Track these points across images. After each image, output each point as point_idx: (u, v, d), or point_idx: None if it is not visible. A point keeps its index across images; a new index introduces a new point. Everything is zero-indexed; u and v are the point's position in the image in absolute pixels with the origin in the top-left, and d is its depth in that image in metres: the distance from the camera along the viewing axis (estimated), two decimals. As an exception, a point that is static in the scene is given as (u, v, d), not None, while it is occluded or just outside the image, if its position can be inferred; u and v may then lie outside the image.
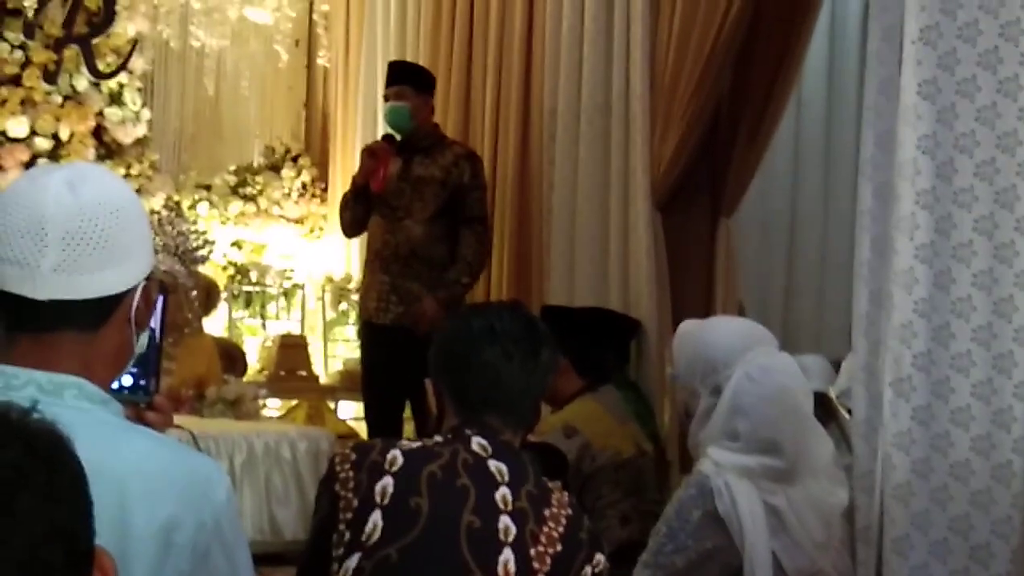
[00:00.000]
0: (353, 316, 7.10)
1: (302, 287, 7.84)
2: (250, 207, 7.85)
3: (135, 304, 1.66)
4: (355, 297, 6.78)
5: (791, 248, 7.15)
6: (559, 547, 2.25)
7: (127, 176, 7.32)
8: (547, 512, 2.27)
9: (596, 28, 5.44)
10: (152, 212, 6.22)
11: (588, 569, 2.27)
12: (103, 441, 1.54)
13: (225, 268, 7.63)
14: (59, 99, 7.16)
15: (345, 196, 5.85)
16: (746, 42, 5.04)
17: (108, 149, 7.36)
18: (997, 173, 2.94)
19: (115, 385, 1.72)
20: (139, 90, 7.50)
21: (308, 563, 2.36)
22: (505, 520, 2.23)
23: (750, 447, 2.87)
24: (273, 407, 6.96)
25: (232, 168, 7.95)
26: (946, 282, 2.98)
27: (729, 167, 5.30)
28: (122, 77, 7.35)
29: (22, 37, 7.07)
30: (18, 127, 7.02)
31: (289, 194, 7.92)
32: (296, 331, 7.61)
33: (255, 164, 8.07)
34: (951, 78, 2.96)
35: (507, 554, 2.21)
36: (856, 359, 3.22)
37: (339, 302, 7.63)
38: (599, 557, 2.29)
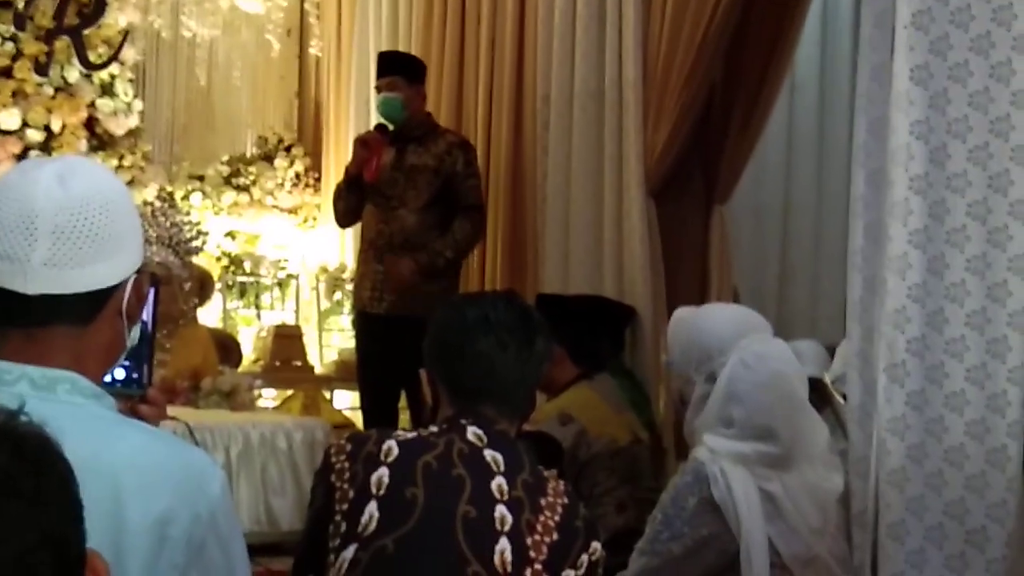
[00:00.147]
0: (348, 306, 7.09)
1: (296, 277, 7.83)
2: (243, 197, 7.84)
3: (126, 297, 1.65)
4: (350, 287, 6.77)
5: (785, 234, 7.16)
6: (555, 536, 2.25)
7: (120, 167, 7.31)
8: (543, 501, 2.27)
9: (588, 15, 5.43)
10: (145, 203, 6.19)
11: (585, 557, 2.27)
12: (96, 436, 1.54)
13: (219, 259, 7.61)
14: (50, 91, 7.14)
15: (338, 186, 5.85)
16: (739, 28, 5.03)
17: (100, 140, 7.34)
18: (990, 158, 2.94)
19: (108, 379, 1.72)
20: (131, 81, 7.48)
21: (304, 554, 2.36)
22: (501, 509, 2.24)
23: (745, 434, 2.87)
24: (268, 397, 6.96)
25: (225, 158, 7.93)
26: (940, 267, 2.98)
27: (722, 154, 5.30)
28: (113, 68, 7.32)
29: (13, 29, 7.04)
30: (10, 119, 7.00)
31: (282, 184, 7.91)
32: (291, 321, 7.60)
33: (248, 154, 8.05)
34: (943, 63, 2.96)
35: (503, 543, 2.21)
36: (850, 345, 3.22)
37: (334, 292, 7.62)
38: (595, 545, 2.29)
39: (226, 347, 6.41)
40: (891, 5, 3.02)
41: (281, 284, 7.77)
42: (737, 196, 5.55)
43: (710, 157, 5.33)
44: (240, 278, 7.67)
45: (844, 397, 3.65)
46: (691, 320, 3.10)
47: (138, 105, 7.50)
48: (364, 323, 5.75)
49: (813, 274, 7.13)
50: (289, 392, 6.94)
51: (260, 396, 6.53)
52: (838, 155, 6.82)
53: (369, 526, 2.21)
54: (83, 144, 7.20)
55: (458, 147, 5.65)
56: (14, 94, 7.04)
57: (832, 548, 2.98)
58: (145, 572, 1.52)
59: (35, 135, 7.06)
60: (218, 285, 7.23)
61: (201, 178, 7.83)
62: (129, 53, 7.42)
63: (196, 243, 5.87)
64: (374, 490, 2.23)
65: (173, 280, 5.63)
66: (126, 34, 7.34)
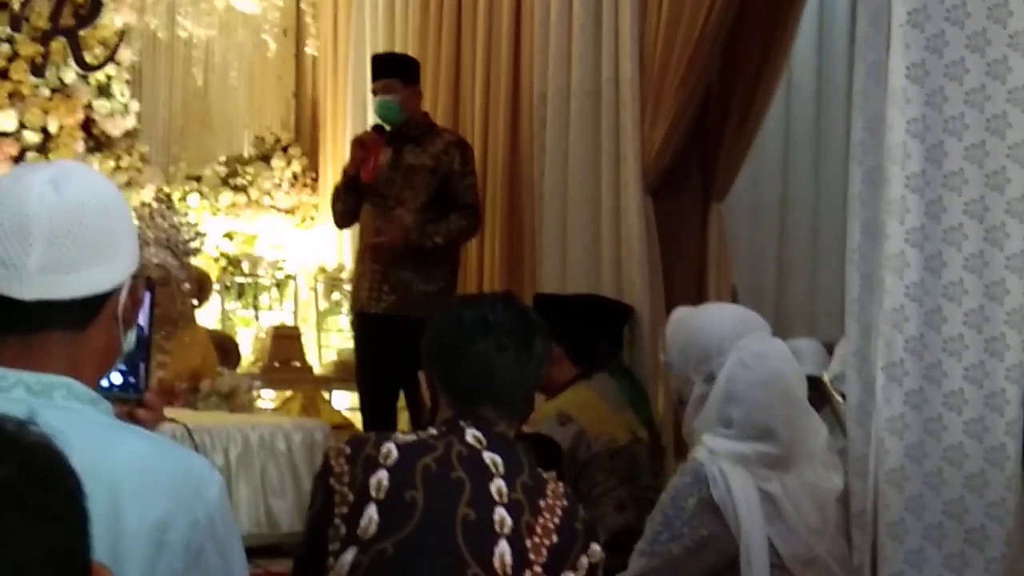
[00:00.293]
0: (346, 306, 7.09)
1: (294, 277, 7.83)
2: (241, 198, 7.83)
3: (122, 302, 1.65)
4: (348, 287, 6.77)
5: (783, 232, 7.16)
6: (555, 538, 2.24)
7: (117, 168, 7.30)
8: (542, 503, 2.27)
9: (585, 13, 5.43)
10: (143, 204, 6.19)
11: (584, 559, 2.27)
12: (94, 441, 1.53)
13: (217, 260, 7.61)
14: (47, 92, 7.14)
15: (336, 188, 5.85)
16: (735, 26, 5.03)
17: (97, 142, 7.34)
18: (987, 156, 2.93)
19: (105, 383, 1.72)
20: (127, 82, 7.47)
21: (304, 557, 2.36)
22: (500, 512, 2.23)
23: (744, 434, 2.87)
24: (268, 398, 6.96)
25: (222, 159, 7.93)
26: (937, 266, 2.98)
27: (720, 151, 5.30)
28: (110, 69, 7.32)
29: (9, 30, 7.04)
30: (6, 121, 6.99)
31: (280, 184, 7.90)
32: (289, 322, 7.60)
33: (245, 155, 8.04)
34: (939, 61, 2.95)
35: (503, 546, 2.21)
36: (848, 344, 3.22)
37: (332, 292, 7.61)
38: (595, 547, 2.29)
39: (225, 348, 6.41)
40: (887, 3, 3.01)
41: (279, 285, 7.77)
42: (734, 193, 5.56)
43: (707, 154, 5.33)
44: (238, 279, 7.67)
45: (843, 396, 3.65)
46: (689, 320, 3.10)
47: (135, 106, 7.49)
48: (362, 323, 5.75)
49: (811, 271, 7.13)
50: (288, 393, 6.94)
51: (259, 397, 6.53)
52: (835, 152, 6.82)
53: (369, 529, 2.21)
54: (80, 145, 7.20)
55: (455, 146, 5.65)
56: (10, 95, 7.04)
57: (832, 548, 2.98)
58: (143, 577, 1.52)
59: (32, 136, 7.06)
60: (216, 286, 7.22)
61: (198, 179, 7.82)
62: (125, 54, 7.41)
63: (194, 244, 5.87)
64: (373, 493, 2.23)
65: (171, 281, 5.62)
66: (122, 35, 7.33)
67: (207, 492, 1.60)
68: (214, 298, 7.14)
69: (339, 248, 7.67)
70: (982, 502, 2.95)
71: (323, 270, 7.72)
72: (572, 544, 2.26)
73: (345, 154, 5.95)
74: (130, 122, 7.44)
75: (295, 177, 7.94)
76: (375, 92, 5.75)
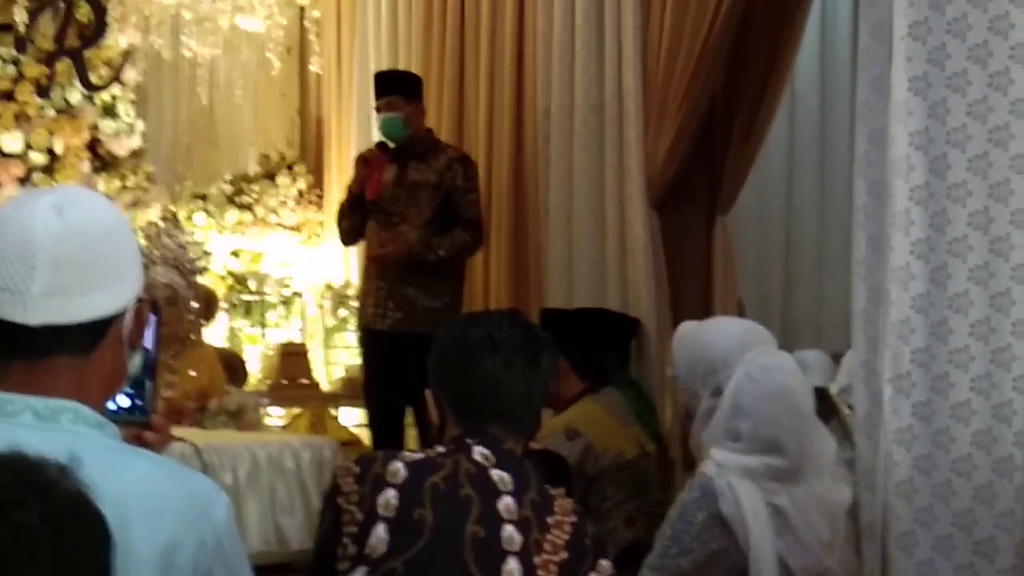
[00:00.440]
0: (353, 323, 7.09)
1: (301, 295, 7.83)
2: (247, 216, 7.84)
3: (127, 325, 1.66)
4: (354, 303, 6.77)
5: (788, 243, 7.17)
6: (564, 554, 2.25)
7: (123, 188, 7.31)
8: (551, 520, 2.27)
9: (587, 27, 5.44)
10: (149, 224, 6.20)
11: (594, 575, 2.27)
12: (101, 464, 1.53)
13: (224, 278, 7.61)
14: (52, 113, 7.15)
15: (341, 205, 5.86)
16: (738, 38, 5.05)
17: (103, 162, 7.35)
18: (990, 167, 2.93)
19: (112, 407, 1.72)
20: (132, 102, 7.48)
21: (314, 577, 2.36)
22: (509, 529, 2.24)
23: (752, 447, 2.87)
24: (275, 416, 6.95)
25: (228, 177, 7.93)
26: (943, 277, 2.97)
27: (724, 164, 5.31)
28: (115, 89, 7.33)
29: (14, 52, 7.05)
30: (12, 142, 7.01)
31: (285, 202, 7.91)
32: (296, 339, 7.60)
33: (251, 173, 8.05)
34: (941, 73, 2.96)
35: (512, 563, 2.21)
36: (855, 356, 3.21)
37: (338, 309, 7.61)
38: (604, 563, 2.29)
39: (232, 366, 6.40)
40: (888, 16, 3.01)
41: (286, 302, 7.77)
42: (739, 205, 5.57)
43: (712, 167, 5.34)
44: (245, 297, 7.67)
45: (850, 407, 3.65)
46: (695, 334, 3.10)
47: (140, 126, 7.50)
48: (368, 340, 5.75)
49: (817, 282, 7.13)
50: (296, 410, 6.94)
51: (267, 415, 6.53)
52: (840, 163, 6.83)
53: (378, 548, 2.21)
54: (86, 166, 7.21)
55: (458, 162, 5.66)
56: (16, 117, 7.05)
57: (842, 561, 2.98)
58: (152, 600, 1.52)
59: (38, 157, 7.07)
60: (223, 304, 7.23)
61: (204, 197, 7.83)
62: (130, 74, 7.43)
63: (201, 263, 5.87)
64: (382, 512, 2.23)
65: (179, 300, 5.62)
66: (127, 55, 7.35)
67: (214, 514, 1.61)
68: (221, 316, 7.14)
69: (345, 265, 7.67)
70: (991, 513, 2.94)
71: (330, 287, 7.72)
72: (581, 560, 2.26)
73: (350, 171, 5.96)
74: (135, 142, 7.45)
75: (301, 194, 7.95)
76: (378, 110, 5.76)
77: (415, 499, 2.23)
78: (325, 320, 7.67)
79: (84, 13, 7.18)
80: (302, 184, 7.96)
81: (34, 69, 7.07)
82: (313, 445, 4.95)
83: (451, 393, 2.38)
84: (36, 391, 1.59)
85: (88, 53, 7.16)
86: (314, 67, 7.84)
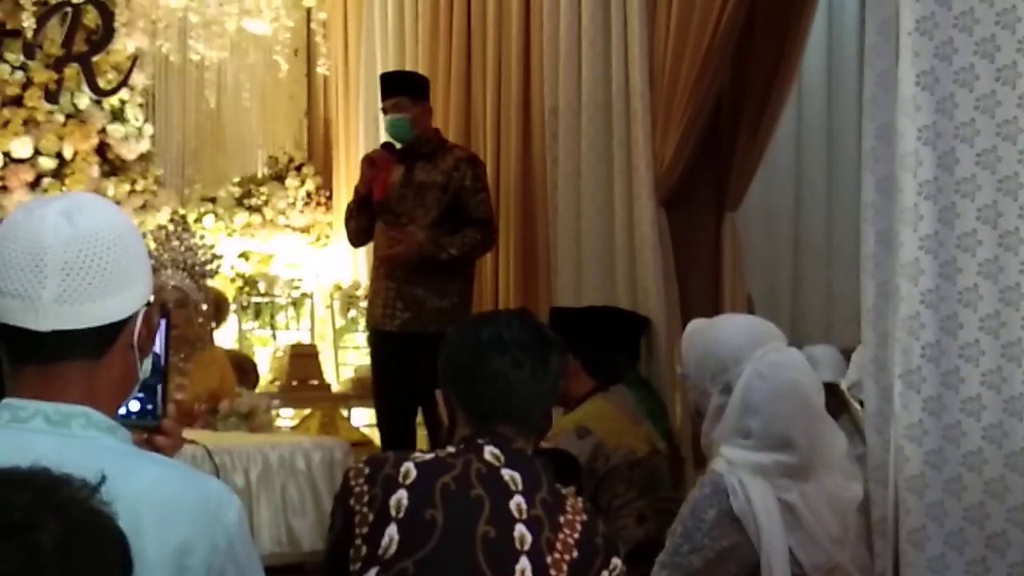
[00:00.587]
0: (363, 323, 7.10)
1: (311, 296, 7.84)
2: (256, 218, 7.85)
3: (137, 330, 1.67)
4: (364, 304, 6.78)
5: (797, 239, 7.17)
6: (575, 553, 2.25)
7: (132, 192, 7.33)
8: (562, 519, 2.27)
9: (594, 26, 5.44)
10: (158, 227, 6.21)
11: (605, 574, 2.28)
12: (113, 469, 1.54)
13: (233, 280, 7.63)
14: (61, 118, 7.17)
15: (349, 207, 5.87)
16: (745, 35, 5.04)
17: (112, 166, 7.37)
18: (999, 161, 2.93)
19: (122, 411, 1.73)
20: (141, 106, 7.50)
21: (326, 578, 2.37)
22: (520, 529, 2.24)
23: (763, 444, 2.87)
24: (286, 417, 6.96)
25: (236, 180, 7.95)
26: (952, 272, 2.97)
27: (732, 161, 5.30)
28: (123, 93, 7.35)
29: (22, 58, 7.08)
30: (22, 148, 7.03)
31: (294, 203, 7.92)
32: (306, 340, 7.61)
33: (259, 175, 8.07)
34: (949, 68, 2.95)
35: (523, 563, 2.22)
36: (865, 352, 3.21)
37: (348, 309, 7.62)
38: (616, 561, 2.29)
39: (243, 368, 6.41)
40: (895, 12, 3.01)
41: (296, 303, 7.78)
42: (748, 202, 5.56)
43: (720, 164, 5.33)
44: (255, 299, 7.68)
45: (860, 403, 3.65)
46: (705, 332, 3.10)
47: (149, 129, 7.52)
48: (378, 340, 5.76)
49: (826, 278, 7.13)
50: (307, 411, 6.95)
51: (278, 416, 6.54)
52: (848, 158, 6.82)
53: (389, 549, 2.21)
54: (95, 170, 7.23)
55: (466, 162, 5.66)
56: (25, 122, 7.08)
57: (853, 556, 2.98)
58: (165, 604, 1.52)
59: (47, 162, 7.09)
60: (233, 306, 7.24)
61: (213, 200, 7.85)
62: (138, 78, 7.45)
63: (211, 266, 5.88)
64: (393, 513, 2.23)
65: (189, 303, 5.63)
66: (135, 59, 7.37)
67: (226, 517, 1.61)
68: (231, 318, 7.15)
69: (355, 265, 7.68)
70: (1003, 507, 2.94)
71: (339, 288, 7.73)
72: (593, 559, 2.26)
73: (358, 172, 5.96)
74: (144, 146, 7.47)
75: (309, 196, 7.96)
76: (385, 111, 5.76)
77: (426, 499, 2.24)
78: (335, 321, 7.68)
79: (92, 18, 7.20)
80: (310, 186, 7.97)
81: (43, 74, 7.10)
82: (324, 446, 4.96)
83: (461, 393, 2.38)
84: (48, 396, 1.60)
85: (96, 58, 7.19)
86: (321, 69, 7.85)
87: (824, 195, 7.17)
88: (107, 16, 7.18)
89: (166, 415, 1.88)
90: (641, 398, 4.83)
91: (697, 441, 3.27)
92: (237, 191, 7.89)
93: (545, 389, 2.38)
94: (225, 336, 7.01)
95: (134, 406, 1.81)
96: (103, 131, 7.30)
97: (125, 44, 7.34)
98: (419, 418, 5.65)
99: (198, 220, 7.58)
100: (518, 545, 2.22)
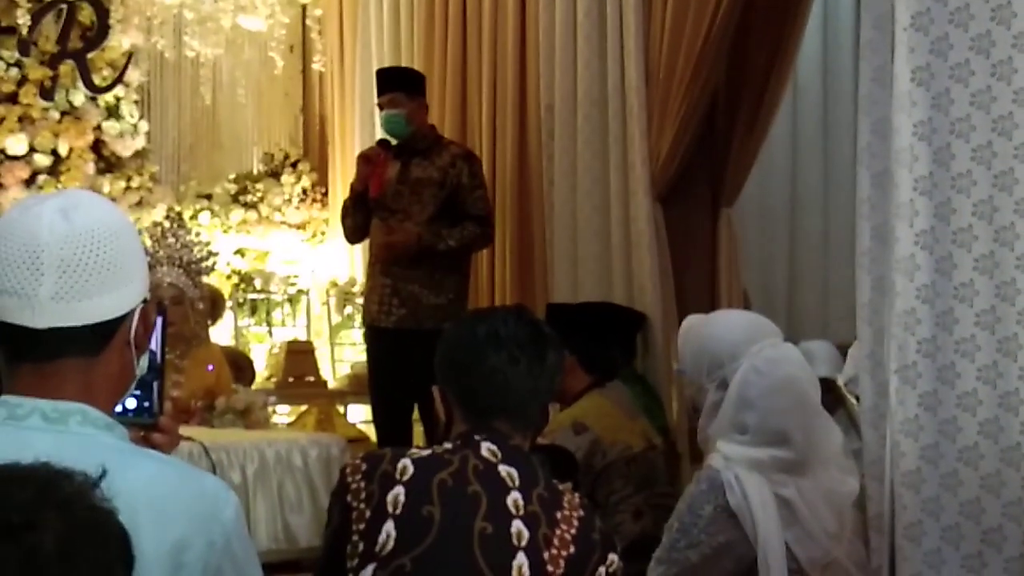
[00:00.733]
0: (359, 319, 7.10)
1: (307, 292, 7.84)
2: (251, 214, 7.85)
3: (134, 327, 1.67)
4: (360, 300, 6.78)
5: (793, 235, 7.17)
6: (572, 549, 2.25)
7: (127, 189, 7.33)
8: (559, 515, 2.28)
9: (589, 23, 5.44)
10: (154, 224, 6.20)
11: (602, 570, 2.28)
12: (110, 466, 1.54)
13: (229, 277, 7.63)
14: (57, 115, 7.16)
15: (345, 203, 5.87)
16: (740, 30, 5.04)
17: (107, 163, 7.36)
18: (994, 157, 2.93)
19: (119, 408, 1.73)
20: (136, 102, 7.49)
21: (323, 575, 2.37)
22: (517, 524, 2.24)
23: (759, 439, 2.88)
24: (282, 414, 6.96)
25: (232, 176, 7.94)
26: (948, 268, 2.97)
27: (728, 157, 5.31)
28: (119, 90, 7.34)
29: (17, 55, 7.07)
30: (17, 145, 7.02)
31: (290, 200, 7.92)
32: (302, 337, 7.61)
33: (255, 171, 8.06)
34: (944, 64, 2.95)
35: (521, 558, 2.22)
36: (861, 347, 3.21)
37: (344, 306, 7.62)
38: (612, 557, 2.30)
39: (239, 365, 6.42)
40: (890, 7, 3.01)
41: (292, 300, 7.78)
42: (743, 198, 5.57)
43: (716, 160, 5.34)
44: (251, 295, 7.68)
45: (857, 398, 3.65)
46: (701, 328, 3.10)
47: (144, 126, 7.52)
48: (374, 337, 5.76)
49: (822, 273, 7.14)
50: (303, 408, 6.95)
51: (274, 413, 6.54)
52: (843, 153, 6.83)
53: (387, 545, 2.22)
54: (90, 167, 7.23)
55: (462, 159, 5.66)
56: (20, 119, 7.07)
57: (849, 552, 2.98)
58: (163, 601, 1.53)
59: (42, 160, 7.09)
60: (229, 303, 7.24)
61: (209, 197, 7.84)
62: (133, 75, 7.44)
63: (207, 262, 5.88)
64: (391, 509, 2.24)
65: (185, 300, 5.63)
66: (130, 56, 7.36)
67: (223, 514, 1.61)
68: (227, 315, 7.15)
69: (351, 262, 7.68)
70: (999, 502, 2.94)
71: (335, 284, 7.73)
72: (590, 555, 2.27)
73: (354, 168, 5.97)
74: (139, 142, 7.46)
75: (305, 192, 7.95)
76: (381, 106, 5.76)
77: (423, 496, 2.24)
78: (331, 317, 7.68)
79: (86, 15, 7.19)
80: (306, 182, 7.97)
81: (37, 71, 7.09)
82: (321, 442, 4.97)
83: (457, 390, 2.39)
84: (44, 394, 1.60)
85: (91, 55, 7.18)
86: (317, 65, 7.85)
87: (820, 191, 7.18)
88: (102, 13, 7.18)
89: (163, 412, 1.88)
90: (637, 394, 4.84)
91: (693, 437, 3.27)
92: (233, 188, 7.88)
93: (542, 385, 2.39)
94: (221, 333, 7.01)
95: (131, 403, 1.81)
96: (98, 128, 7.29)
97: (120, 41, 7.33)
98: (415, 414, 5.65)
99: (194, 217, 7.58)
100: (515, 541, 2.23)
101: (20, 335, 1.59)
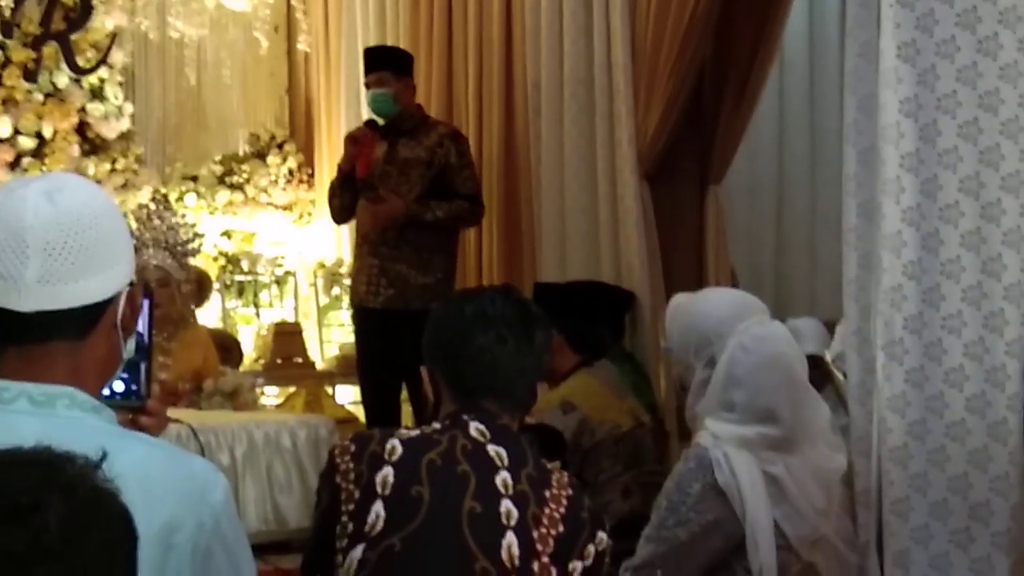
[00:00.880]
0: (347, 300, 7.09)
1: (294, 274, 7.83)
2: (238, 196, 7.83)
3: (120, 310, 1.66)
4: (347, 281, 6.78)
5: (780, 212, 7.17)
6: (561, 528, 2.26)
7: (113, 171, 7.30)
8: (548, 494, 2.28)
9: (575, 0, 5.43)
10: (140, 206, 6.18)
11: (591, 548, 2.28)
12: (97, 449, 1.54)
13: (216, 258, 7.61)
14: (40, 97, 7.13)
15: (332, 184, 5.85)
16: (727, 7, 5.03)
17: (92, 145, 7.34)
18: (981, 133, 2.93)
19: (106, 392, 1.73)
20: (120, 84, 7.46)
21: (312, 555, 2.38)
22: (507, 504, 2.25)
23: (747, 417, 2.88)
24: (271, 395, 6.96)
25: (218, 158, 7.92)
26: (934, 244, 2.98)
27: (715, 134, 5.30)
28: (103, 72, 7.31)
29: (0, 36, 7.03)
30: (1, 127, 6.99)
31: (276, 181, 7.90)
32: (290, 318, 7.60)
33: (240, 152, 8.04)
34: (930, 39, 2.95)
35: (510, 537, 2.23)
36: (848, 324, 3.22)
37: (331, 287, 7.62)
38: (601, 535, 2.31)
39: (226, 347, 6.41)
40: (877, -17, 3.01)
41: (279, 281, 7.77)
42: (731, 175, 5.56)
43: (703, 137, 5.33)
44: (238, 277, 7.67)
45: (844, 375, 3.66)
46: (688, 306, 3.11)
47: (129, 108, 7.49)
48: (362, 318, 5.76)
49: (809, 249, 7.14)
50: (291, 389, 6.95)
51: (262, 394, 6.54)
52: (830, 130, 6.83)
53: (376, 526, 2.22)
54: (75, 149, 7.20)
55: (450, 139, 5.65)
56: (4, 102, 7.04)
57: (838, 528, 2.99)
58: (152, 582, 1.52)
59: (27, 142, 7.06)
60: (216, 285, 7.22)
61: (195, 178, 7.81)
62: (117, 56, 7.41)
63: (193, 244, 5.87)
64: (380, 489, 2.24)
65: (171, 282, 5.62)
66: (113, 37, 7.32)
67: (212, 495, 1.61)
68: (214, 297, 7.14)
69: (338, 243, 7.67)
70: (986, 477, 2.96)
71: (322, 265, 7.72)
72: (579, 533, 2.27)
73: (340, 149, 5.95)
74: (124, 124, 7.43)
75: (291, 173, 7.94)
76: (368, 86, 5.74)
77: (412, 476, 2.24)
78: (318, 299, 7.67)
79: (70, -4, 7.16)
80: (292, 163, 7.95)
81: (21, 53, 7.05)
82: (309, 423, 4.97)
83: (446, 370, 2.39)
84: (31, 377, 1.60)
85: (75, 36, 7.14)
86: (302, 45, 7.82)
87: (807, 167, 7.18)
88: (85, -6, 7.14)
89: (150, 395, 1.87)
90: (625, 372, 4.84)
91: (682, 415, 3.28)
92: (218, 169, 7.86)
93: (530, 364, 2.39)
94: (208, 315, 7.00)
95: (118, 386, 1.81)
96: (83, 110, 7.26)
97: (104, 22, 7.29)
98: (404, 395, 5.65)
99: (179, 199, 7.56)
100: (504, 520, 2.23)
101: (6, 319, 1.59)
